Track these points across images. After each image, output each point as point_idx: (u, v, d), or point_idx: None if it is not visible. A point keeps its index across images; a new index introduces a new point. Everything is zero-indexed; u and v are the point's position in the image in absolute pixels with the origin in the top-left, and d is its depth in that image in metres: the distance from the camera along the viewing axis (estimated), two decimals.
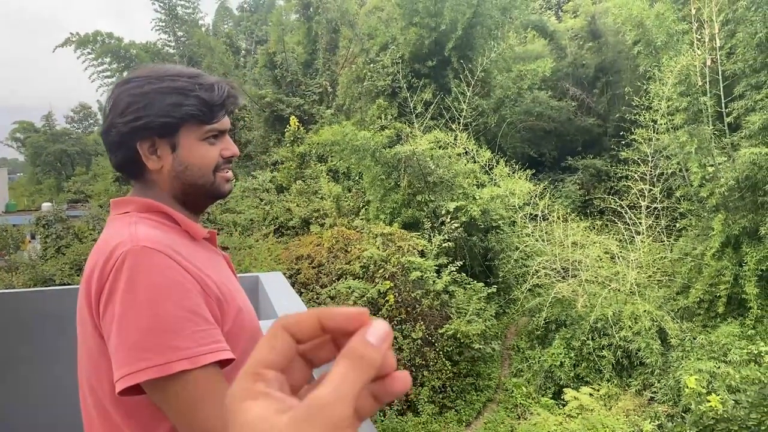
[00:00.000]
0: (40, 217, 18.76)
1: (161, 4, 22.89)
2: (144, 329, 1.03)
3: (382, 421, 9.21)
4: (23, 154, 44.32)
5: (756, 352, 8.75)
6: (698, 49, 11.47)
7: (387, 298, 10.27)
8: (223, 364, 1.10)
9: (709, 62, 11.24)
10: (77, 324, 1.21)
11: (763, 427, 7.47)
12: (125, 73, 17.59)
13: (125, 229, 1.15)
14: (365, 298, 10.11)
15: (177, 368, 1.02)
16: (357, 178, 15.02)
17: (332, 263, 11.09)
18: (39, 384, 2.88)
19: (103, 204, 22.01)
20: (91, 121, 45.49)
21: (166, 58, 22.63)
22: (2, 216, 28.34)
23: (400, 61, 15.77)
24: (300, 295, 10.57)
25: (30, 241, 21.87)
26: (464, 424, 9.79)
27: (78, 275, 13.28)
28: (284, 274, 10.71)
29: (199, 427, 1.05)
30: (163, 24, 23.28)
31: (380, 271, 10.67)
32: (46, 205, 22.63)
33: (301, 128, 17.34)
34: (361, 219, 13.52)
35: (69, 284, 9.09)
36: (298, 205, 14.72)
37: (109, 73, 19.08)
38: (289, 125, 16.95)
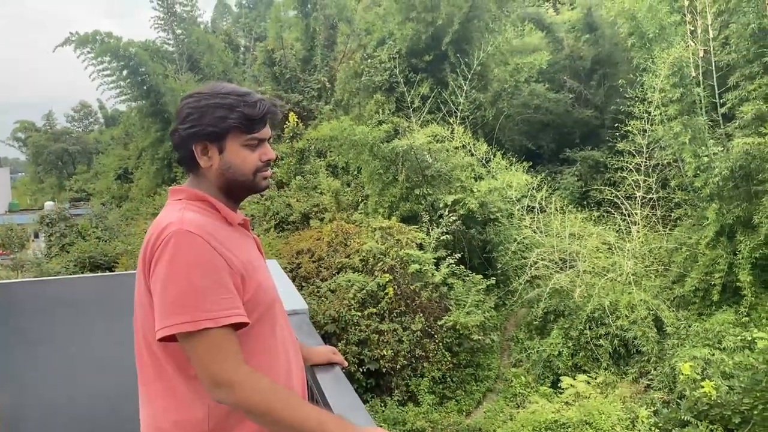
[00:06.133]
0: (44, 215, 18.93)
1: (159, 2, 22.97)
2: (180, 293, 1.35)
3: (383, 411, 9.36)
4: (24, 154, 44.46)
5: (749, 338, 8.88)
6: (691, 40, 11.55)
7: (386, 291, 10.41)
8: (239, 327, 1.41)
9: (702, 53, 11.34)
10: (135, 283, 1.52)
11: (755, 412, 7.62)
12: (124, 72, 17.55)
13: (176, 213, 1.47)
14: (365, 291, 10.25)
15: (202, 326, 1.34)
16: (356, 172, 15.14)
17: (332, 257, 11.23)
18: (56, 363, 3.14)
19: (105, 202, 22.17)
20: (92, 119, 45.54)
21: (165, 56, 22.73)
22: (6, 215, 28.49)
23: (397, 56, 15.86)
24: (300, 289, 10.64)
25: (34, 240, 22.06)
26: (464, 413, 9.95)
27: (82, 272, 13.45)
28: (285, 268, 10.87)
29: (212, 374, 1.36)
30: (162, 22, 23.38)
31: (379, 264, 10.80)
32: (48, 204, 22.81)
33: (300, 124, 17.45)
34: (360, 213, 13.65)
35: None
36: (297, 200, 14.86)
37: (108, 72, 19.15)
38: (288, 121, 17.07)
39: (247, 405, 1.37)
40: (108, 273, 12.03)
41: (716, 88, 11.38)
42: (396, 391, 9.87)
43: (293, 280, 10.72)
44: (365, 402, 9.48)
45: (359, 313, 9.98)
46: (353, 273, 10.67)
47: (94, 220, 18.79)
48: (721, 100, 11.33)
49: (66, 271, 13.58)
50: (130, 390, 1.56)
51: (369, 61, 16.71)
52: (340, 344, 9.48)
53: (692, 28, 11.80)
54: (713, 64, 11.40)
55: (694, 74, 11.07)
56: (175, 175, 18.22)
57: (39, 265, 15.00)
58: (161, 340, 1.37)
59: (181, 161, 1.61)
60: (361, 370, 9.60)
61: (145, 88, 18.94)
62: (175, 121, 1.58)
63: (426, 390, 9.99)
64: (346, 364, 2.06)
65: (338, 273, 10.87)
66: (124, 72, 18.97)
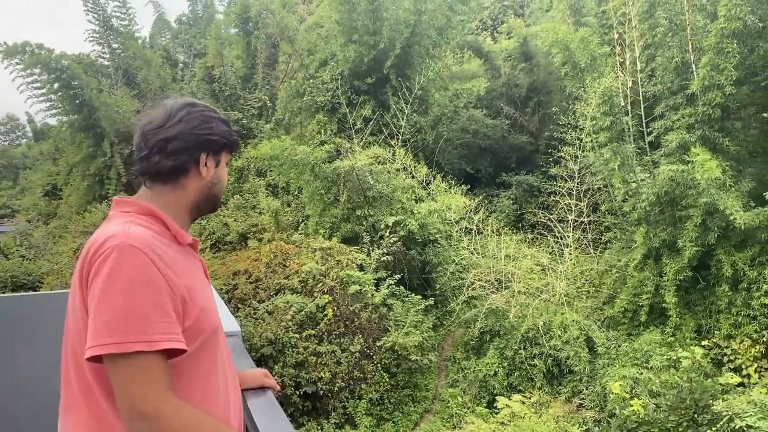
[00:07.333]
0: None
1: (95, 15, 22.35)
2: (116, 311, 1.25)
3: None
4: None
5: (674, 357, 9.25)
6: (621, 71, 12.12)
7: (326, 312, 10.33)
8: (174, 354, 1.32)
9: (630, 84, 11.90)
10: (69, 297, 1.42)
11: (680, 429, 7.91)
12: (55, 85, 16.80)
13: (121, 226, 1.37)
14: (303, 313, 10.13)
15: (135, 348, 1.24)
16: (296, 192, 15.03)
17: (270, 278, 11.07)
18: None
19: (32, 219, 21.19)
20: (19, 133, 43.66)
21: (100, 70, 22.09)
22: None
23: (340, 77, 15.95)
24: (237, 311, 10.39)
25: None
26: None
27: (3, 292, 12.76)
28: (221, 290, 10.63)
29: (134, 402, 1.25)
30: (97, 35, 22.71)
31: (319, 285, 10.72)
32: None
33: (240, 142, 17.22)
34: (301, 233, 13.53)
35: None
36: (235, 220, 14.60)
37: (39, 84, 18.40)
38: None
39: None
40: (31, 293, 11.47)
41: (643, 117, 11.94)
42: (333, 414, 9.76)
43: (229, 302, 10.50)
44: (301, 425, 9.32)
45: (297, 335, 9.85)
46: (292, 294, 10.54)
47: (18, 238, 17.90)
48: (648, 129, 11.90)
49: None
50: (47, 419, 1.47)
51: (311, 81, 16.72)
52: (276, 367, 9.30)
53: (621, 60, 12.39)
54: (641, 94, 11.98)
55: (623, 103, 11.58)
56: (107, 191, 17.61)
57: None
58: (90, 359, 1.26)
59: (170, 168, 1.49)
60: (297, 392, 9.44)
61: (77, 102, 18.28)
62: (177, 125, 1.48)
63: (363, 412, 9.91)
64: (278, 388, 1.98)
65: (276, 294, 10.72)
66: (56, 85, 18.27)
